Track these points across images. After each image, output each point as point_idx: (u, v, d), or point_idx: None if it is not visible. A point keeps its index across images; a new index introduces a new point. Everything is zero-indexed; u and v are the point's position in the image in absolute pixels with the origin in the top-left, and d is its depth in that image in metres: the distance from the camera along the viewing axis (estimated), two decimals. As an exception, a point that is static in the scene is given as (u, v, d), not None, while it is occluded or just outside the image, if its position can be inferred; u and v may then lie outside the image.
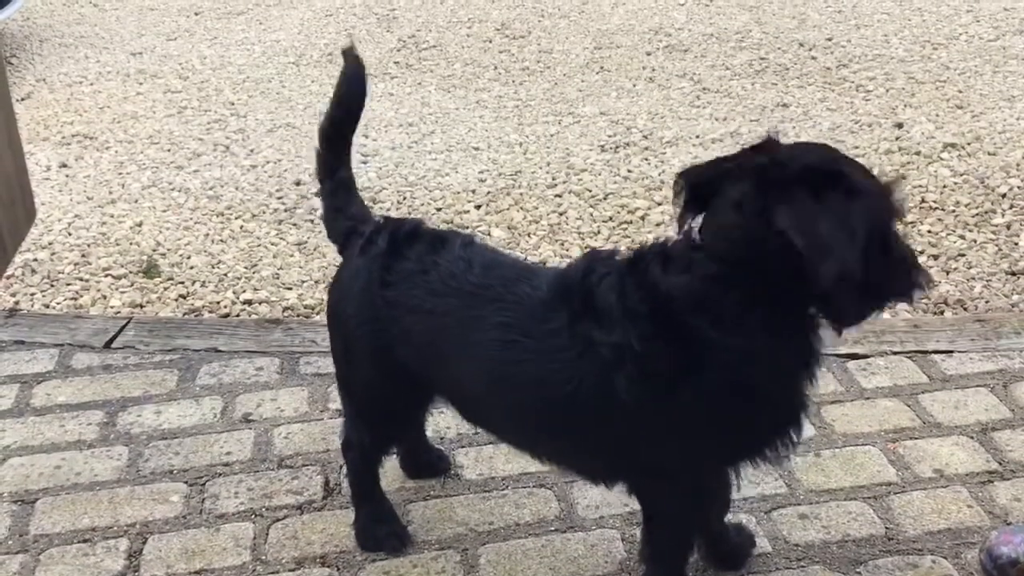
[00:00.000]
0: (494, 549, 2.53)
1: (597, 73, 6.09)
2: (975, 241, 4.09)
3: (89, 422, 3.05)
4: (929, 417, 2.95)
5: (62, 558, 2.55)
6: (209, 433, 2.99)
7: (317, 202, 4.57)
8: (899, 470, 2.74)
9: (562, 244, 4.17)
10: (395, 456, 2.74)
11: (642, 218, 4.36)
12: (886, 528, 2.55)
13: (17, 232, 2.82)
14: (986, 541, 2.42)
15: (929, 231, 4.17)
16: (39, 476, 2.83)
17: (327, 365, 3.24)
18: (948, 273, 3.88)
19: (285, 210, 4.56)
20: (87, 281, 4.04)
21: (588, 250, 2.26)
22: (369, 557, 2.52)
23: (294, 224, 4.44)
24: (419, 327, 2.24)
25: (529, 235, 4.27)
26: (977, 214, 4.29)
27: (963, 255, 3.99)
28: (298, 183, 4.79)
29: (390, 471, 2.75)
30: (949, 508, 2.61)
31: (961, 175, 4.61)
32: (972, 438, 2.86)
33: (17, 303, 3.89)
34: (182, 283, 4.00)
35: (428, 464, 2.79)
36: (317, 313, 3.75)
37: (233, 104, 5.83)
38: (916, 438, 2.86)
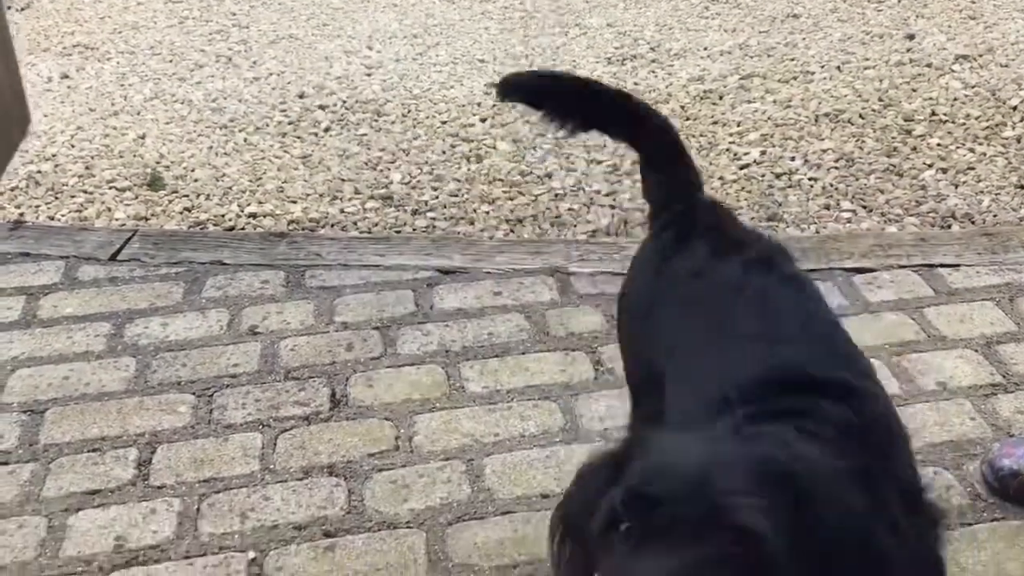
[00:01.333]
0: (499, 460, 2.56)
1: (604, -17, 5.99)
2: (984, 154, 4.05)
3: (96, 334, 3.06)
4: (934, 330, 2.95)
5: (72, 467, 2.58)
6: (216, 345, 3.00)
7: (321, 115, 4.57)
8: (903, 383, 2.74)
9: (568, 158, 4.14)
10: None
11: (649, 131, 4.32)
12: (889, 440, 2.57)
13: (9, 139, 2.79)
14: (988, 453, 2.44)
15: (939, 144, 4.13)
16: (48, 387, 2.85)
17: (332, 278, 3.27)
18: (956, 187, 3.86)
19: (289, 123, 4.52)
20: (91, 193, 4.03)
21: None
22: (376, 467, 2.54)
23: (298, 137, 4.40)
24: (662, 318, 1.94)
25: (534, 148, 4.23)
26: (987, 127, 4.24)
27: (972, 168, 3.96)
28: (301, 95, 4.75)
29: (401, 378, 2.77)
30: (952, 420, 2.62)
31: (972, 87, 4.55)
32: (977, 351, 2.86)
33: (22, 215, 3.88)
34: (187, 196, 3.98)
35: None
36: (322, 227, 3.74)
37: (235, 14, 5.75)
38: (921, 351, 2.87)
